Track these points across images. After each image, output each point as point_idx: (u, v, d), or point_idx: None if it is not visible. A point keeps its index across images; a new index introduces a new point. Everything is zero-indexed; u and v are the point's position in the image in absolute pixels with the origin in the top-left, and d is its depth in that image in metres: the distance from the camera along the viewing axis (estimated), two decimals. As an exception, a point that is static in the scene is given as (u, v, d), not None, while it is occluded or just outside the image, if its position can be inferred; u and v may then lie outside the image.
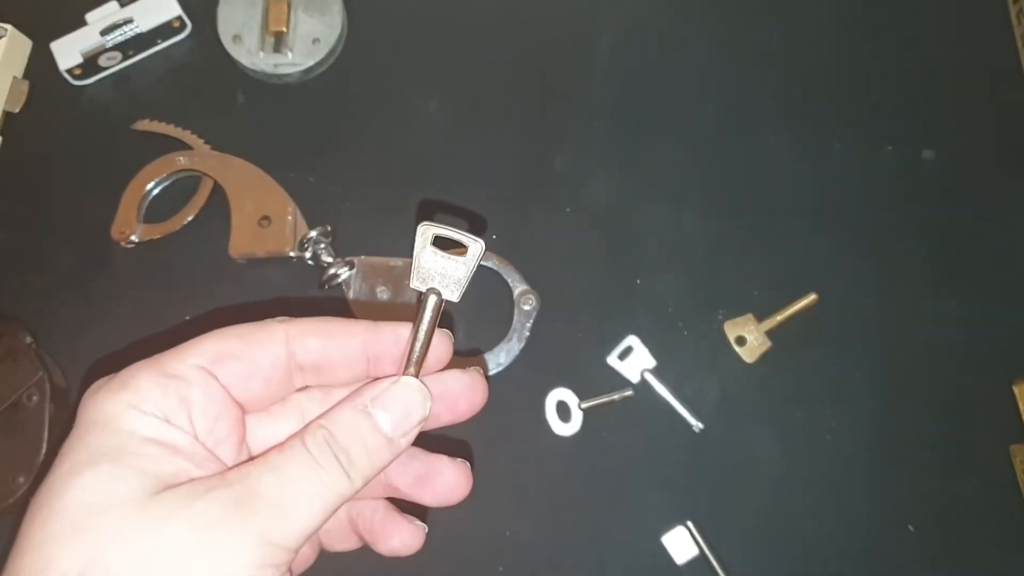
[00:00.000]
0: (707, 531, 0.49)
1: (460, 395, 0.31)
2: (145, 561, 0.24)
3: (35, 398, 0.51)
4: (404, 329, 0.30)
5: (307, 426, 0.28)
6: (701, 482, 0.51)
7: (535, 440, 0.51)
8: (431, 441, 0.32)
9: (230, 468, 0.27)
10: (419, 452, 0.32)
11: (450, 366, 0.31)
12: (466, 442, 0.49)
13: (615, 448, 0.51)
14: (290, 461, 0.26)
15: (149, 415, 0.27)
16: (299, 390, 0.31)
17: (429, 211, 0.55)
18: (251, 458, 0.28)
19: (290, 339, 0.29)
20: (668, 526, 0.49)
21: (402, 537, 0.32)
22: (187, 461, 0.27)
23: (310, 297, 0.54)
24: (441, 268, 0.29)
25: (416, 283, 0.29)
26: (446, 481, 0.32)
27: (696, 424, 0.51)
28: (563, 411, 0.51)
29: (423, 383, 0.29)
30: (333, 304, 0.54)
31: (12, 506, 0.49)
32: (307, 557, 0.33)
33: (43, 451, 0.50)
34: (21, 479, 0.49)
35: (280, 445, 0.27)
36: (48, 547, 0.24)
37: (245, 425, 0.30)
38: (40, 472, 0.49)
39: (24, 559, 0.24)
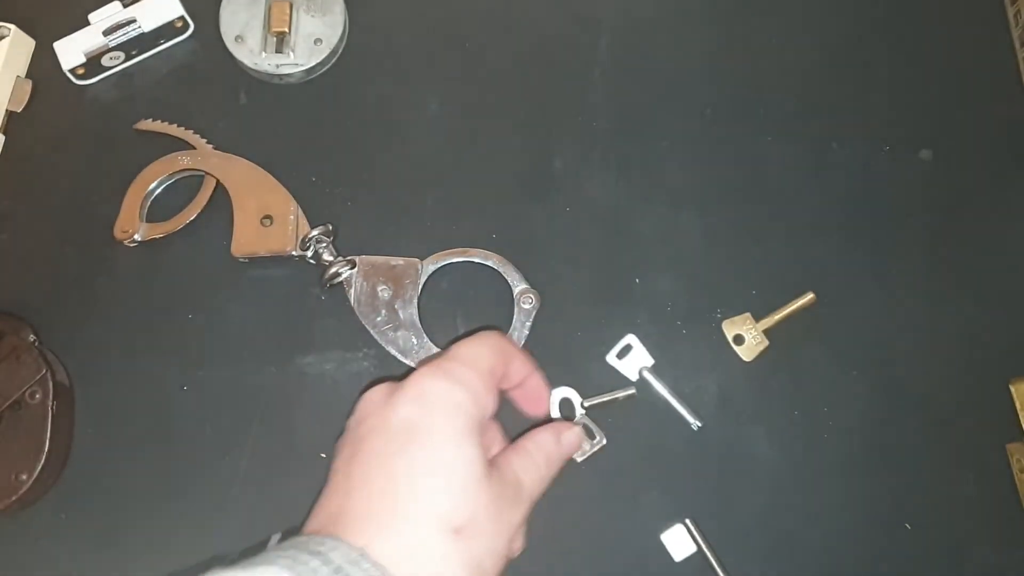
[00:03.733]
0: (705, 529, 0.50)
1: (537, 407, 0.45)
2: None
3: (38, 396, 0.51)
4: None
5: (529, 436, 0.41)
6: (699, 480, 0.51)
7: (535, 438, 0.51)
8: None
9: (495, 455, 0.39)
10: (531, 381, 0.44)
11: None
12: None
13: (613, 446, 0.51)
14: (527, 457, 0.40)
15: (482, 407, 0.37)
16: None
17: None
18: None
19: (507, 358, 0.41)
20: (667, 524, 0.50)
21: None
22: (491, 444, 0.40)
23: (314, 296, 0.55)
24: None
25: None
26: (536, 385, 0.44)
27: (694, 422, 0.51)
28: (567, 409, 0.52)
29: (580, 429, 0.44)
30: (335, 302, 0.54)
31: (14, 504, 0.49)
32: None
33: (45, 449, 0.50)
34: (23, 477, 0.49)
35: (516, 447, 0.40)
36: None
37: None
38: (43, 470, 0.50)
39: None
